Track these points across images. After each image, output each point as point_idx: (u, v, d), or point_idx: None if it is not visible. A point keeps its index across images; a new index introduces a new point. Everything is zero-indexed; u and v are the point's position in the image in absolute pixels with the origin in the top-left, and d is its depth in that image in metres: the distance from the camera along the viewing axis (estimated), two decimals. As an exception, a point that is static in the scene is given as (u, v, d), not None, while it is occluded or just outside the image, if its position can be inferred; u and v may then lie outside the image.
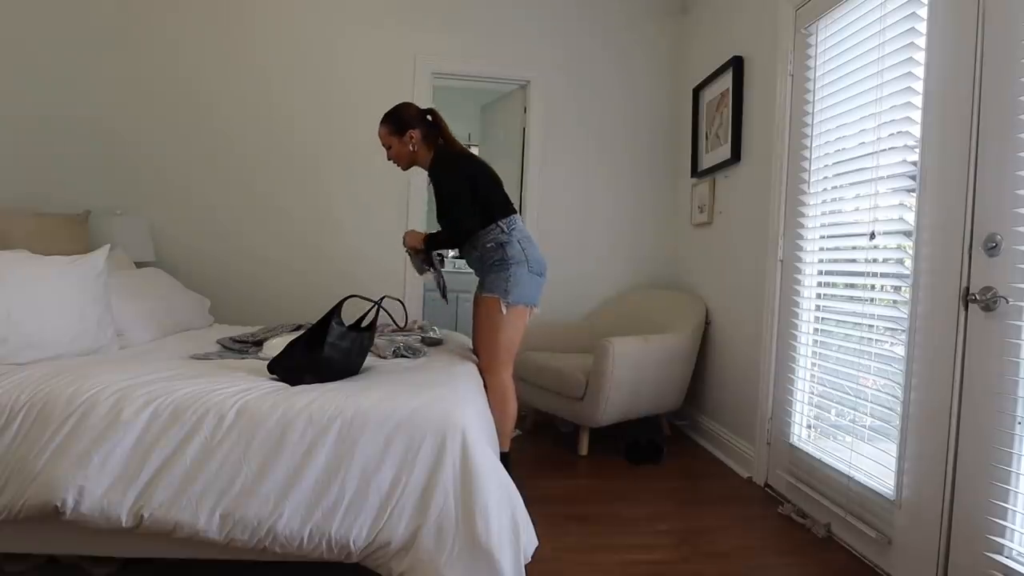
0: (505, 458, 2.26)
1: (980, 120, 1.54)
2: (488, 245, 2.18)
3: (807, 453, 2.24)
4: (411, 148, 2.23)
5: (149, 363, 1.76)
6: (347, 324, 1.78)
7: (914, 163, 1.77)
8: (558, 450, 2.94)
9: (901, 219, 1.83)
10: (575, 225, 3.64)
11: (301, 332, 1.86)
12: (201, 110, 3.30)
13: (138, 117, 3.25)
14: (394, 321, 2.28)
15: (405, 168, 2.32)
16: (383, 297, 1.93)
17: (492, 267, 2.18)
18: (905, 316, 1.78)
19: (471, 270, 2.36)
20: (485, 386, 2.09)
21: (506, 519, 1.40)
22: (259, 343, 2.20)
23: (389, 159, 2.31)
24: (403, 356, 2.13)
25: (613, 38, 3.63)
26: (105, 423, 1.40)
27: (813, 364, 2.26)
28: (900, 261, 1.85)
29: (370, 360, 1.96)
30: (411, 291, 3.48)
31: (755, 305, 2.63)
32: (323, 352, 1.66)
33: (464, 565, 1.33)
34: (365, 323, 1.89)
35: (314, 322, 1.81)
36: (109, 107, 3.23)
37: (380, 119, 2.27)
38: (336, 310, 1.77)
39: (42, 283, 1.81)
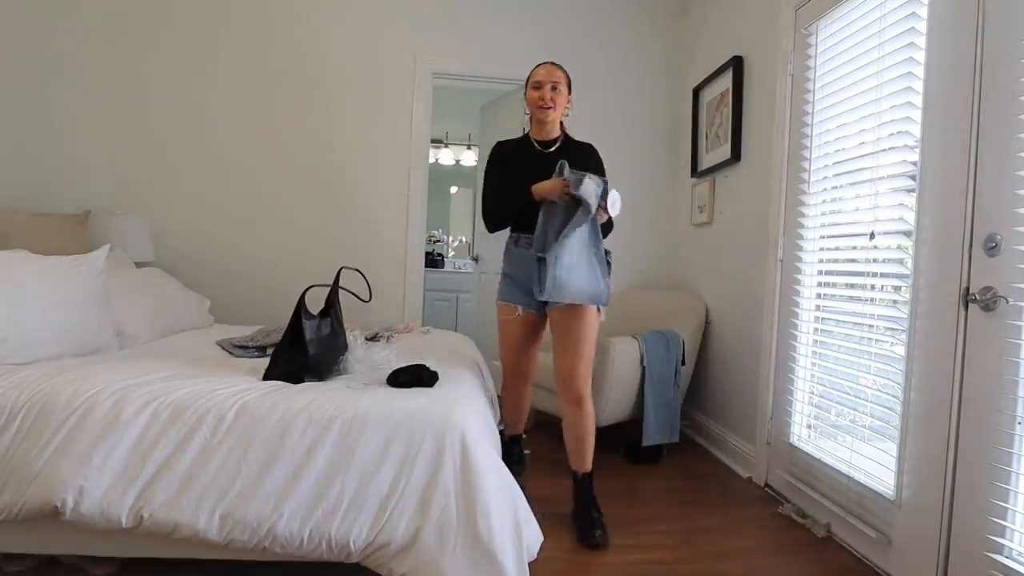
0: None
1: (980, 120, 1.54)
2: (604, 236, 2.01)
3: (807, 453, 2.24)
4: (565, 108, 2.21)
5: (149, 363, 1.76)
6: (314, 312, 1.75)
7: (914, 163, 1.76)
8: (558, 450, 2.94)
9: (901, 219, 1.83)
10: (575, 225, 3.64)
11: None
12: (201, 110, 3.30)
13: (138, 117, 3.26)
14: (357, 296, 2.03)
15: (547, 117, 2.16)
16: (340, 269, 1.89)
17: (601, 263, 1.94)
18: (905, 316, 1.77)
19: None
20: (571, 408, 2.06)
21: (508, 518, 1.41)
22: (262, 348, 2.18)
23: (546, 97, 2.13)
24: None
25: (613, 38, 3.63)
26: (105, 423, 1.40)
27: (813, 364, 2.26)
28: (900, 261, 1.84)
29: (374, 365, 1.93)
30: (411, 291, 3.47)
31: (755, 305, 2.63)
32: (309, 352, 1.65)
33: (466, 565, 1.34)
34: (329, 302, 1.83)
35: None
36: (109, 107, 3.23)
37: (558, 64, 2.17)
38: (301, 307, 1.71)
39: (42, 283, 1.81)
